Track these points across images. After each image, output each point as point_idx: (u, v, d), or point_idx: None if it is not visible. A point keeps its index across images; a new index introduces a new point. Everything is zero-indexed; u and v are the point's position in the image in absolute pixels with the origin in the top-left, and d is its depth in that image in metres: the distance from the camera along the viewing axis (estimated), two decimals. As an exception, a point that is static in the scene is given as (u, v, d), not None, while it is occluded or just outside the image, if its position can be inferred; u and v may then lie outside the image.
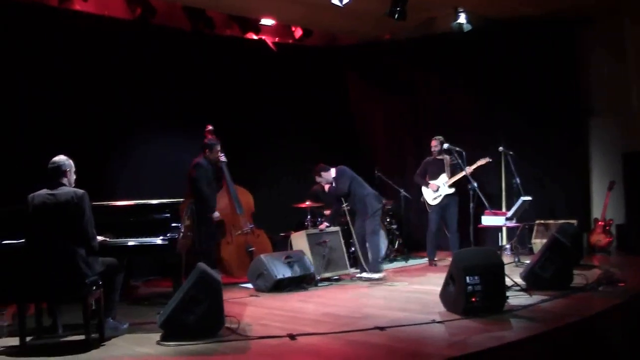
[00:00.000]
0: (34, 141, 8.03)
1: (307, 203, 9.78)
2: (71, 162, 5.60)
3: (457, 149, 9.30)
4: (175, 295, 5.69)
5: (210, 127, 8.85)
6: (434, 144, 9.77)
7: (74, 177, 5.63)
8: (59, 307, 5.86)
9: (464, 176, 9.31)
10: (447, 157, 9.74)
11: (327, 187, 9.13)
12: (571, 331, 5.56)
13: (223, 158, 8.80)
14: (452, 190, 9.63)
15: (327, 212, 10.08)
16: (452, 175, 9.62)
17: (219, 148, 8.62)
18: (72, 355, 5.09)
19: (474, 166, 9.42)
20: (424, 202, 9.92)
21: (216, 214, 8.55)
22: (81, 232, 5.33)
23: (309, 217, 9.81)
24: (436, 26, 10.75)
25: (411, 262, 10.31)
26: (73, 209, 5.30)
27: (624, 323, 6.20)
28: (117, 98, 9.14)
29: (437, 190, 9.65)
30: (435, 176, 9.75)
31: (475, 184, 8.97)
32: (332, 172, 8.95)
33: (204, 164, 8.45)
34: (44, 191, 5.40)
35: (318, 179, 9.09)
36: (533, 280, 7.22)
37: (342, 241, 9.00)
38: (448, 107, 11.48)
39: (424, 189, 9.87)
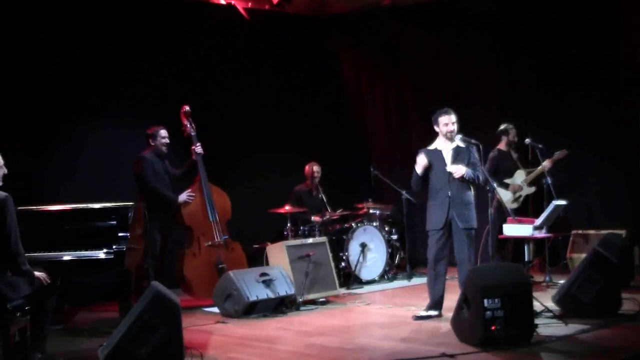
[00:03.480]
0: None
1: (287, 208, 9.73)
2: None
3: (473, 141, 9.23)
4: (123, 322, 5.61)
5: (187, 108, 8.84)
6: (513, 134, 9.63)
7: (0, 174, 5.52)
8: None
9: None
10: (511, 151, 9.78)
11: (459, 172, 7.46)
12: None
13: (199, 149, 8.82)
14: (533, 189, 9.60)
15: (315, 219, 10.07)
16: (527, 172, 9.62)
17: (163, 134, 8.60)
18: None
19: (554, 158, 9.47)
20: (500, 207, 9.29)
21: (182, 197, 8.58)
22: (2, 245, 5.24)
23: (289, 225, 9.76)
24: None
25: (415, 280, 10.28)
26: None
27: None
28: (50, 77, 9.04)
29: (518, 191, 9.59)
30: (509, 174, 9.63)
31: (495, 184, 8.90)
32: None
33: (148, 156, 8.49)
34: (-44, 192, 5.32)
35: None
36: (569, 305, 7.16)
37: (330, 255, 8.96)
38: (462, 85, 11.46)
39: (500, 190, 9.28)
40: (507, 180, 9.59)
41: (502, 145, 9.67)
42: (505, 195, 9.51)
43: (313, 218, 10.16)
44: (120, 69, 9.66)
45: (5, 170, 5.55)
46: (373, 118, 12.58)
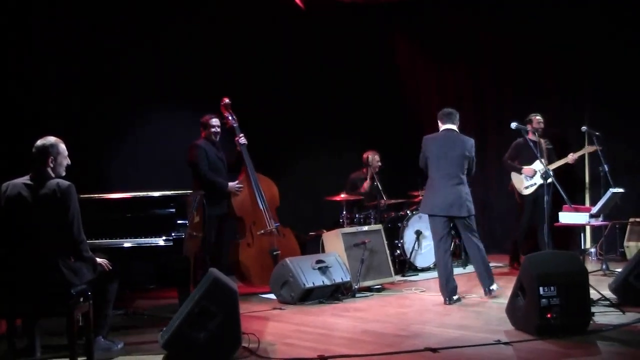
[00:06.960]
0: (12, 121, 8.06)
1: (343, 195, 9.73)
2: (61, 145, 5.57)
3: (528, 128, 9.18)
4: (182, 308, 5.67)
5: (226, 101, 8.88)
6: (537, 121, 9.65)
7: (64, 164, 5.60)
8: (37, 324, 5.84)
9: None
10: (542, 140, 9.69)
11: None
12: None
13: (242, 140, 8.84)
14: (550, 180, 9.55)
15: (370, 206, 10.06)
16: (549, 161, 9.54)
17: (213, 123, 8.63)
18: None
19: (579, 154, 9.53)
20: (513, 191, 9.91)
21: (232, 184, 8.63)
22: (65, 232, 5.34)
23: (344, 212, 9.76)
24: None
25: (470, 268, 10.18)
26: (55, 205, 5.30)
27: None
28: (109, 69, 9.12)
29: (532, 177, 9.56)
30: (529, 161, 9.63)
31: (553, 178, 8.78)
32: None
33: (201, 144, 8.56)
34: (21, 180, 5.41)
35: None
36: (626, 293, 7.06)
37: (385, 242, 8.95)
38: (519, 75, 11.36)
39: (513, 175, 9.85)
40: (524, 166, 9.68)
41: (529, 134, 9.57)
42: (518, 179, 9.79)
43: (368, 205, 10.15)
44: (176, 63, 9.71)
45: (68, 161, 5.64)
46: (428, 106, 12.50)
